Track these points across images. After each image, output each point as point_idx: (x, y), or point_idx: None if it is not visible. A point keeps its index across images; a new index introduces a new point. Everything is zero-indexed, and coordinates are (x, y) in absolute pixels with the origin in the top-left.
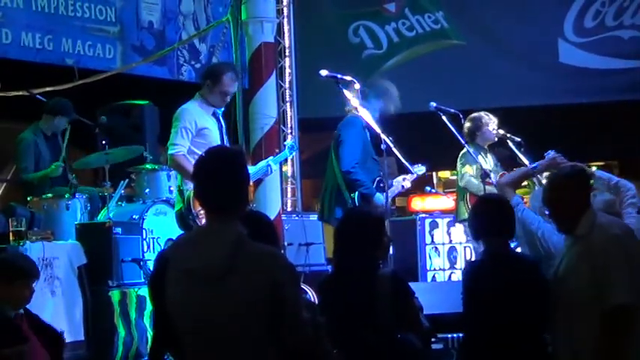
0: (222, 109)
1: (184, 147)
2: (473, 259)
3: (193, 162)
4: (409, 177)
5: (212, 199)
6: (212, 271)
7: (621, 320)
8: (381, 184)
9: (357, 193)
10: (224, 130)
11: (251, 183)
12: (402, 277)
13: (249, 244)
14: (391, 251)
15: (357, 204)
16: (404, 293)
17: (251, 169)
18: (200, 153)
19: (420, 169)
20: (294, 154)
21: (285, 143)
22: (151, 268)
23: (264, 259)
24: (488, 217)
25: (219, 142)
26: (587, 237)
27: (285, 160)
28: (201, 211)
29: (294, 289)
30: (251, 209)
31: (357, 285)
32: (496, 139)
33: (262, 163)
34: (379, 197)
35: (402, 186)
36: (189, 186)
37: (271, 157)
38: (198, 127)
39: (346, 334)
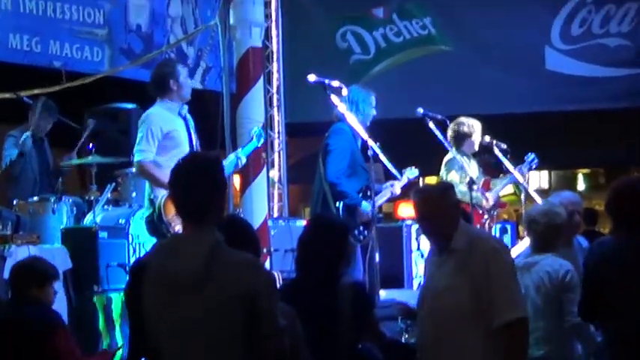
0: (186, 107)
1: (151, 153)
2: None
3: (162, 166)
4: (398, 183)
5: (189, 206)
6: (188, 278)
7: (519, 333)
8: (368, 192)
9: (341, 203)
10: (191, 129)
11: (238, 188)
12: (362, 288)
13: (225, 251)
14: (377, 258)
15: (341, 214)
16: (365, 304)
17: None
18: (169, 156)
19: (412, 173)
20: (262, 141)
21: (252, 132)
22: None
23: (241, 267)
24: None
25: (187, 143)
26: (465, 250)
27: (255, 149)
28: (173, 218)
29: (271, 297)
30: (230, 214)
31: (317, 294)
32: (481, 145)
33: (231, 157)
34: (365, 206)
35: (392, 192)
36: (158, 192)
37: (240, 149)
38: (164, 132)
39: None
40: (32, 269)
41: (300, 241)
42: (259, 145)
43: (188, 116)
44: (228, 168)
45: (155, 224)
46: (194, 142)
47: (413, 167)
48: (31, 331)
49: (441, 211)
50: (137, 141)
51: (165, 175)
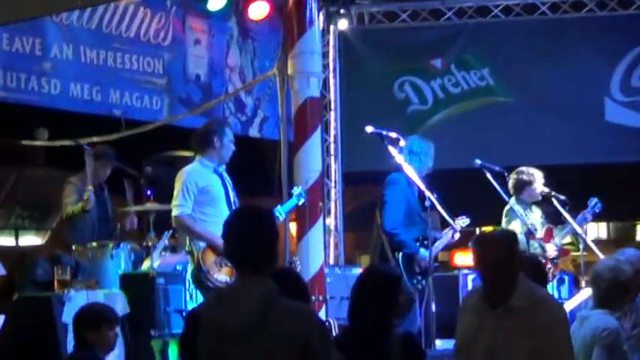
0: (224, 166)
1: (188, 207)
2: None
3: (198, 220)
4: (456, 232)
5: (242, 257)
6: (243, 327)
7: None
8: (425, 242)
9: (400, 253)
10: (229, 186)
11: (294, 236)
12: (414, 339)
13: (279, 300)
14: (433, 307)
15: (399, 265)
16: (416, 354)
17: None
18: (205, 210)
19: (463, 222)
20: (302, 200)
21: (292, 191)
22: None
23: (295, 316)
24: None
25: (223, 198)
26: (526, 309)
27: (294, 207)
28: (212, 266)
29: (325, 345)
30: (281, 266)
31: (368, 343)
32: (541, 197)
33: None
34: (423, 253)
35: (452, 236)
36: (198, 245)
37: (279, 206)
38: (199, 187)
39: None
40: (86, 313)
41: (353, 290)
42: (299, 204)
43: (225, 174)
44: None
45: (196, 275)
46: (231, 199)
47: (463, 216)
48: None
49: (508, 262)
50: (174, 196)
51: (203, 229)
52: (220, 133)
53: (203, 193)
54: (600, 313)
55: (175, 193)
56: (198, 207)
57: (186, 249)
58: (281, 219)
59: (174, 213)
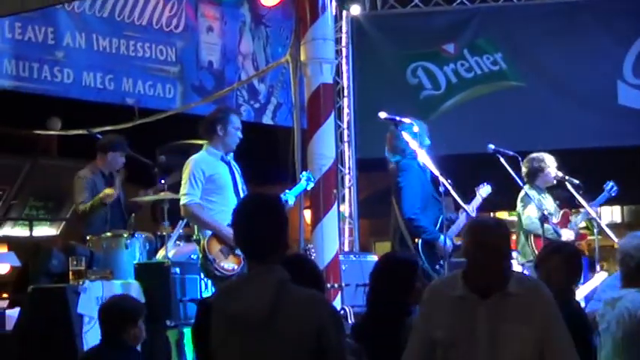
0: (231, 154)
1: (196, 196)
2: None
3: (206, 209)
4: (471, 205)
5: (252, 245)
6: (255, 316)
7: None
8: (444, 224)
9: (420, 239)
10: (236, 174)
11: (309, 223)
12: None
13: (291, 288)
14: None
15: (420, 251)
16: None
17: None
18: (212, 199)
19: (486, 190)
20: (311, 185)
21: (301, 175)
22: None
23: (307, 304)
24: None
25: (231, 186)
26: (524, 296)
27: (303, 191)
28: (218, 254)
29: (338, 333)
30: (294, 252)
31: (385, 331)
32: (555, 181)
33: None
34: (443, 240)
35: (467, 215)
36: (204, 233)
37: (287, 191)
38: (207, 175)
39: None
40: (121, 311)
41: (371, 277)
42: (308, 189)
43: (233, 162)
44: None
45: (202, 264)
46: (239, 187)
47: (485, 183)
48: None
49: (508, 247)
50: (182, 185)
51: (210, 217)
52: (225, 121)
53: (210, 181)
54: (634, 292)
55: (183, 182)
56: (206, 195)
57: (194, 237)
58: (290, 203)
59: (182, 202)
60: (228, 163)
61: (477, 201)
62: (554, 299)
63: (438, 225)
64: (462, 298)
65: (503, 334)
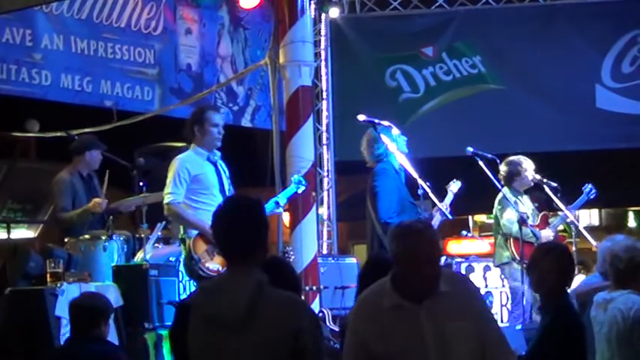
0: (218, 154)
1: (180, 195)
2: (508, 304)
3: (191, 210)
4: (443, 203)
5: (232, 247)
6: (233, 317)
7: None
8: None
9: None
10: (223, 174)
11: (287, 226)
12: None
13: (269, 290)
14: None
15: None
16: None
17: None
18: (198, 199)
19: (456, 185)
20: (302, 188)
21: (292, 178)
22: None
23: (285, 306)
24: None
25: (217, 186)
26: (454, 292)
27: (294, 195)
28: (204, 255)
29: (316, 336)
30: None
31: None
32: (532, 183)
33: (270, 202)
34: None
35: (441, 214)
36: (190, 233)
37: (279, 194)
38: (192, 175)
39: None
40: (95, 308)
41: (358, 279)
42: (299, 192)
43: (220, 162)
44: (267, 209)
45: (187, 264)
46: (226, 187)
47: (455, 180)
48: None
49: (439, 251)
50: (166, 184)
51: (194, 217)
52: (200, 121)
53: (196, 181)
54: (626, 293)
55: (168, 181)
56: (191, 195)
57: (180, 236)
58: (282, 203)
59: (165, 200)
60: (214, 163)
61: (449, 198)
62: (549, 299)
63: None
64: (396, 307)
65: (450, 333)
